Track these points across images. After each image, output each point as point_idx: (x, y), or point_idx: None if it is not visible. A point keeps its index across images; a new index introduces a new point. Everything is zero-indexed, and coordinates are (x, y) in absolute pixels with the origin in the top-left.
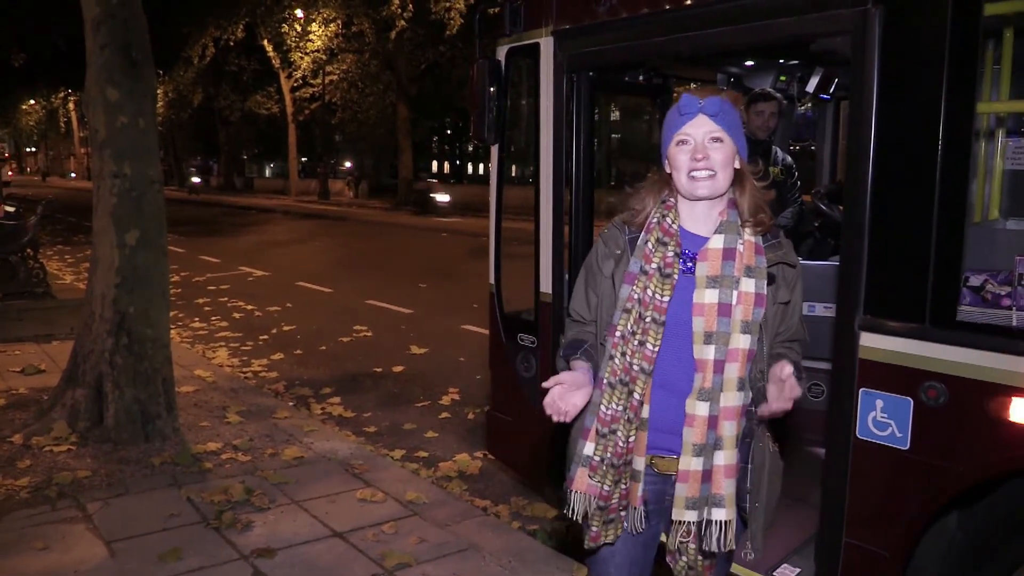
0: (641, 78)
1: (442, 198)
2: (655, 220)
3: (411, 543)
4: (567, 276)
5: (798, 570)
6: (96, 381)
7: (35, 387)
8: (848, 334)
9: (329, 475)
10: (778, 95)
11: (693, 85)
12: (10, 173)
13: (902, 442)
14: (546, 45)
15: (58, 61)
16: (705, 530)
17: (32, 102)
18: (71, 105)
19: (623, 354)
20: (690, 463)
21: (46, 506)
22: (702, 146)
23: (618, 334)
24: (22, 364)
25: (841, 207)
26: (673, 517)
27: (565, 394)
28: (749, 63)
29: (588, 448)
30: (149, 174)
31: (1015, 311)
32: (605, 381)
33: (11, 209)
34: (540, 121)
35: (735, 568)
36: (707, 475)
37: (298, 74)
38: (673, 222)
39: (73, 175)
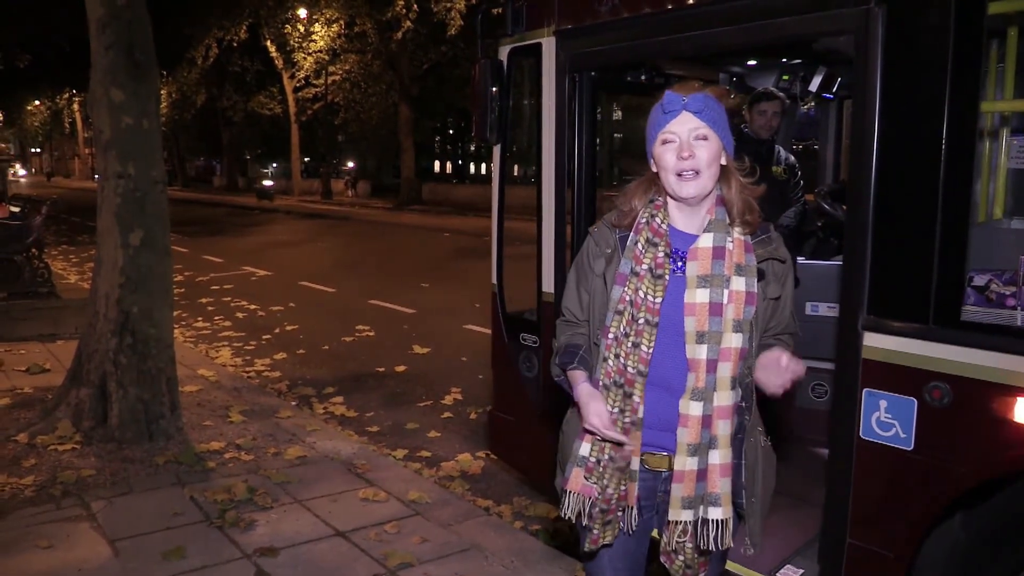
0: (643, 78)
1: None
2: (644, 220)
3: (413, 543)
4: None
5: (801, 571)
6: (100, 380)
7: (40, 386)
8: (851, 334)
9: (332, 474)
10: (781, 94)
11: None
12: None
13: (906, 443)
14: (548, 45)
15: (62, 62)
16: (701, 529)
17: (37, 103)
18: (75, 106)
19: (616, 356)
20: (685, 463)
21: (50, 505)
22: (687, 144)
23: (611, 336)
24: (27, 363)
25: (844, 206)
26: (670, 517)
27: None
28: (752, 62)
29: (584, 449)
30: (153, 174)
31: (1020, 311)
32: (601, 383)
33: (16, 209)
34: (542, 121)
35: (738, 568)
36: (702, 474)
37: (301, 74)
38: (662, 222)
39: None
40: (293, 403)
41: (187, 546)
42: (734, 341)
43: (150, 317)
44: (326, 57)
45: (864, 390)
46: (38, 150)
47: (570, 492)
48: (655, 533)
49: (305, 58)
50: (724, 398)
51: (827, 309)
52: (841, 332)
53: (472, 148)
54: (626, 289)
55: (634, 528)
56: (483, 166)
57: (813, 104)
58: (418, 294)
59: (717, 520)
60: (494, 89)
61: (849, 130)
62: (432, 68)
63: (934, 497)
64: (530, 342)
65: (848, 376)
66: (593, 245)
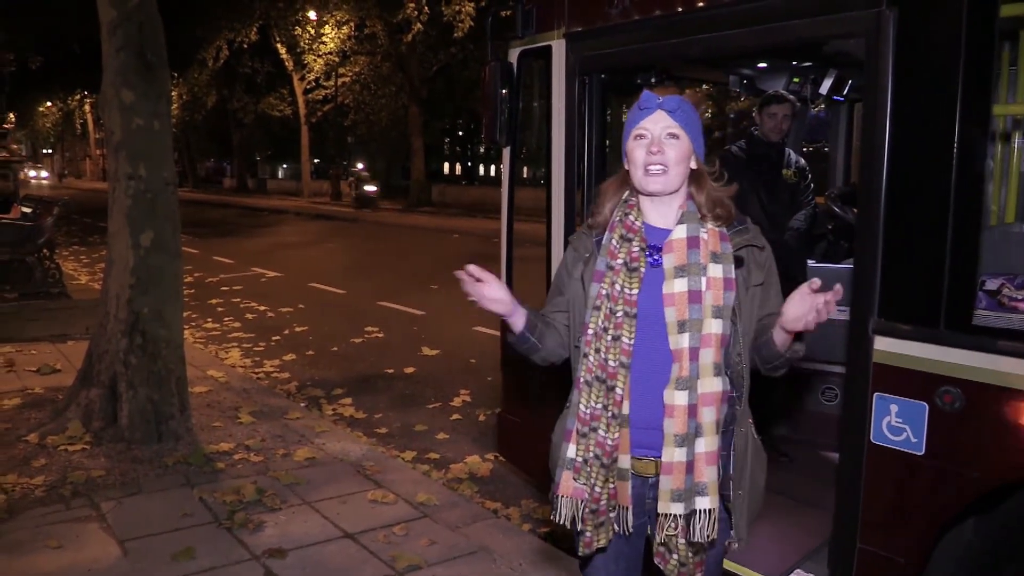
0: (653, 80)
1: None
2: (618, 218)
3: (422, 545)
4: None
5: (811, 575)
6: (110, 381)
7: (50, 386)
8: (862, 338)
9: (340, 476)
10: (791, 97)
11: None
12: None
13: (917, 447)
14: (558, 47)
15: (74, 64)
16: (690, 521)
17: (49, 104)
18: (87, 107)
19: (597, 351)
20: (673, 454)
21: (60, 505)
22: (658, 141)
23: (590, 332)
24: (38, 364)
25: (855, 209)
26: (659, 510)
27: (484, 286)
28: (762, 65)
29: (571, 450)
30: (164, 176)
31: None
32: (582, 380)
33: (28, 210)
34: (552, 123)
35: (748, 572)
36: (691, 466)
37: (311, 76)
38: (636, 219)
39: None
40: (302, 404)
41: (196, 547)
42: (714, 327)
43: (160, 318)
44: (336, 59)
45: (875, 394)
46: (50, 151)
47: (561, 497)
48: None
49: (315, 60)
50: (708, 385)
51: (837, 312)
52: (852, 336)
53: (481, 150)
54: (603, 284)
55: (630, 529)
56: (492, 168)
57: (823, 106)
58: (427, 296)
59: (705, 510)
60: (504, 91)
61: (859, 133)
62: (442, 70)
63: (945, 502)
64: None
65: (859, 380)
66: (572, 252)
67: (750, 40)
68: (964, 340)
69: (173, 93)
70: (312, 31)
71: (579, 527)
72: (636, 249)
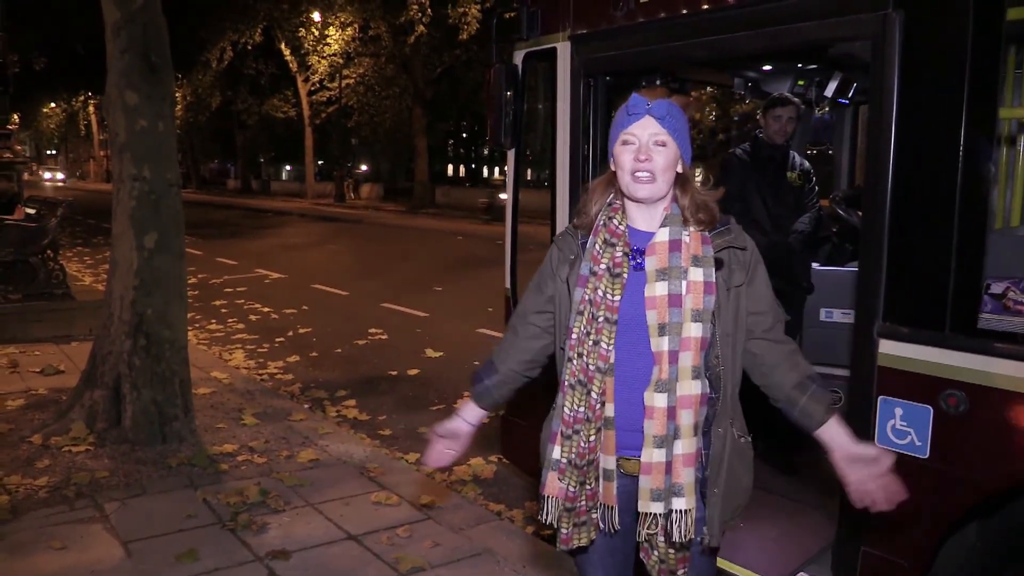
0: (658, 82)
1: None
2: (602, 222)
3: (425, 547)
4: None
5: None
6: (114, 382)
7: (54, 387)
8: (867, 341)
9: (344, 478)
10: (796, 100)
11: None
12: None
13: (921, 451)
14: (563, 50)
15: (78, 65)
16: (668, 521)
17: (52, 105)
18: (91, 108)
19: (580, 355)
20: (652, 455)
21: (64, 506)
22: (646, 147)
23: (574, 336)
24: (41, 364)
25: (859, 212)
26: (639, 509)
27: (442, 450)
28: (767, 68)
29: (556, 452)
30: (168, 177)
31: None
32: (566, 383)
33: (32, 211)
34: (557, 125)
35: (749, 575)
36: (669, 467)
37: (315, 78)
38: (620, 223)
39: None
40: (306, 406)
41: (200, 548)
42: (693, 331)
43: (164, 319)
44: (340, 60)
45: (879, 397)
46: (53, 152)
47: (548, 497)
48: None
49: (319, 61)
50: (686, 388)
51: (841, 315)
52: (856, 339)
53: (485, 152)
54: (586, 290)
55: (615, 527)
56: (496, 170)
57: (827, 108)
58: (431, 298)
59: (682, 510)
60: (509, 93)
61: (864, 135)
62: (446, 71)
63: (950, 506)
64: None
65: (863, 383)
66: (557, 251)
67: (755, 43)
68: (969, 343)
69: (177, 94)
70: (316, 32)
71: (554, 524)
72: (619, 254)
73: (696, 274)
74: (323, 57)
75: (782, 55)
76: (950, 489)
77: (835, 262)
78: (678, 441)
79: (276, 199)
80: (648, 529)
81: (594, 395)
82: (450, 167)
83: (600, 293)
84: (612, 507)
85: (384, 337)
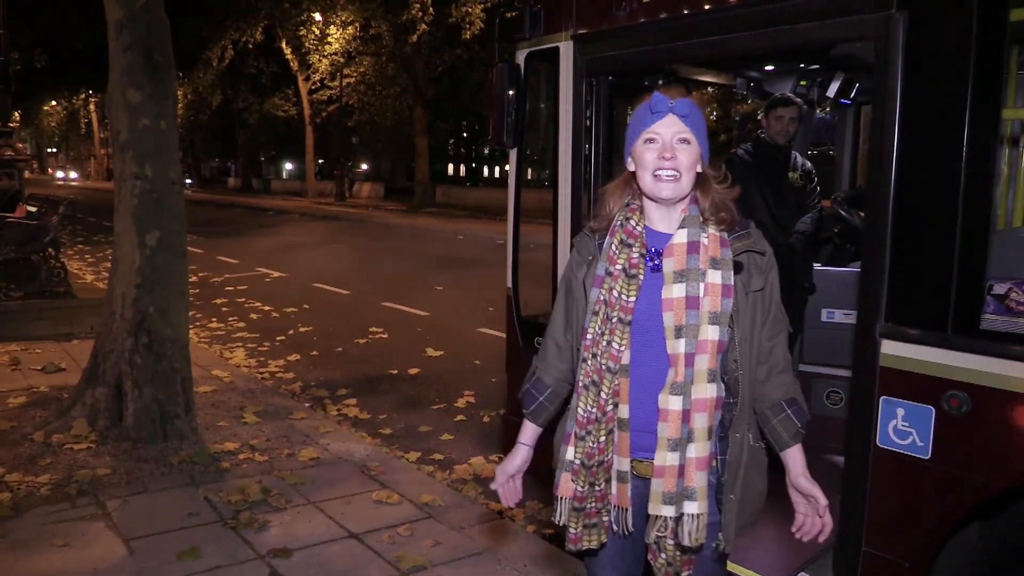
0: (660, 82)
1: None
2: (619, 223)
3: (426, 546)
4: None
5: None
6: (116, 380)
7: (56, 385)
8: (869, 341)
9: (345, 476)
10: (798, 100)
11: (710, 88)
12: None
13: (923, 451)
14: (565, 49)
15: (79, 63)
16: (679, 524)
17: (53, 103)
18: (92, 106)
19: (594, 356)
20: (666, 458)
21: (66, 503)
22: (670, 146)
23: (589, 337)
24: (43, 362)
25: (861, 212)
26: (650, 511)
27: (514, 486)
28: (769, 68)
29: (570, 453)
30: (170, 175)
31: None
32: (581, 384)
33: (33, 209)
34: (559, 125)
35: (748, 574)
36: (682, 470)
37: (316, 76)
38: (637, 224)
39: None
40: (307, 404)
41: (201, 546)
42: (710, 333)
43: (166, 317)
44: (341, 59)
45: (881, 398)
46: (54, 150)
47: (561, 498)
48: None
49: (320, 60)
50: (701, 391)
51: (843, 316)
52: (858, 339)
53: (486, 151)
54: (601, 290)
55: (629, 529)
56: (497, 169)
57: (829, 109)
58: (432, 297)
59: (693, 515)
60: (511, 93)
61: (866, 135)
62: (447, 71)
63: (951, 506)
64: None
65: (865, 384)
66: (576, 255)
67: (758, 43)
68: (971, 344)
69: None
70: (317, 31)
71: (563, 523)
72: (636, 255)
73: (714, 276)
74: (324, 56)
75: (785, 55)
76: (951, 490)
77: (837, 262)
78: (691, 444)
79: (277, 198)
80: (658, 532)
81: (604, 395)
82: (451, 166)
83: (615, 294)
84: (626, 509)
85: (385, 336)
